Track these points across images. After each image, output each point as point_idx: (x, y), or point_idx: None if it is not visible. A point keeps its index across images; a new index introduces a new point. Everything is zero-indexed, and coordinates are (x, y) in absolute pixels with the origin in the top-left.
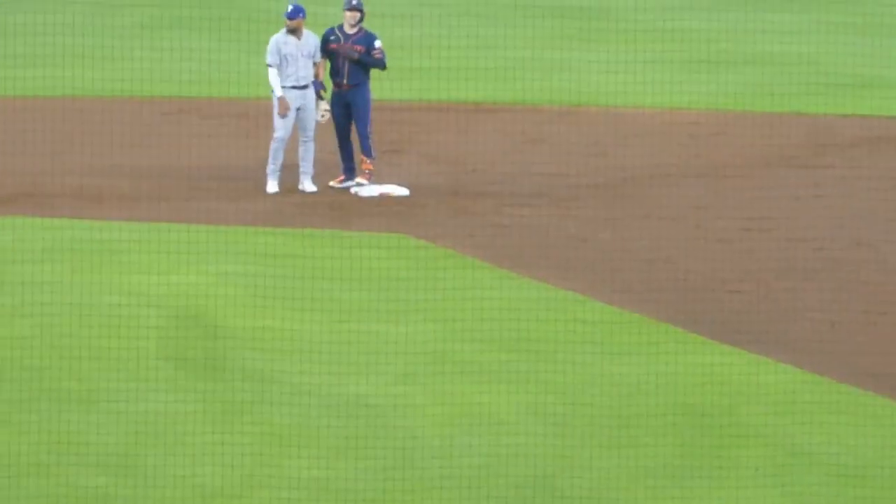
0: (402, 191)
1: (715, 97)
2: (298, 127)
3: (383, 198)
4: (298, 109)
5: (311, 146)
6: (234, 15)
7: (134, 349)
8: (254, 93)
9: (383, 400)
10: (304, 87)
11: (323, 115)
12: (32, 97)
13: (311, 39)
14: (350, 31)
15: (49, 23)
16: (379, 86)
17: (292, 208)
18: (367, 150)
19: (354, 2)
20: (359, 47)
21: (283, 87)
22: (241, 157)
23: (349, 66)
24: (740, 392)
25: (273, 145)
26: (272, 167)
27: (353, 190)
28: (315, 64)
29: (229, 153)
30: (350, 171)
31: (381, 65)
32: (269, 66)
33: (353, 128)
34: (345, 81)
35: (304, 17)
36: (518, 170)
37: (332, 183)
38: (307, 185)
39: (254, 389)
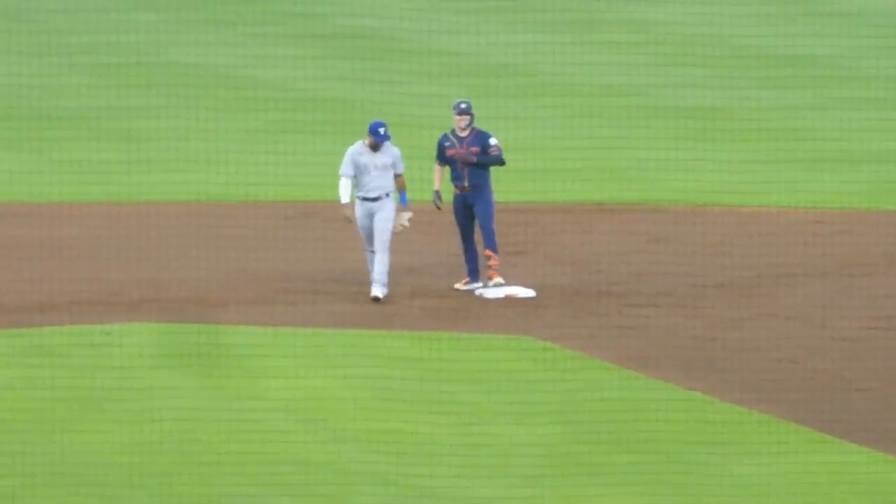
0: (528, 292)
1: (839, 195)
2: (372, 238)
3: (508, 299)
4: (370, 219)
5: (384, 257)
6: (357, 118)
7: (261, 453)
8: None
9: (510, 503)
10: (375, 198)
11: (402, 225)
12: (157, 202)
13: (389, 151)
14: (463, 133)
15: (172, 127)
16: (504, 188)
17: (418, 311)
18: (492, 245)
19: (463, 105)
20: (474, 149)
21: (358, 198)
22: (365, 260)
23: (468, 169)
24: (869, 492)
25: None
26: (371, 275)
27: (478, 292)
28: (397, 176)
29: (353, 256)
30: (474, 274)
31: (500, 161)
32: (342, 176)
33: (477, 229)
34: (466, 184)
35: (378, 141)
36: (642, 270)
37: (457, 285)
38: (375, 290)
39: (380, 493)
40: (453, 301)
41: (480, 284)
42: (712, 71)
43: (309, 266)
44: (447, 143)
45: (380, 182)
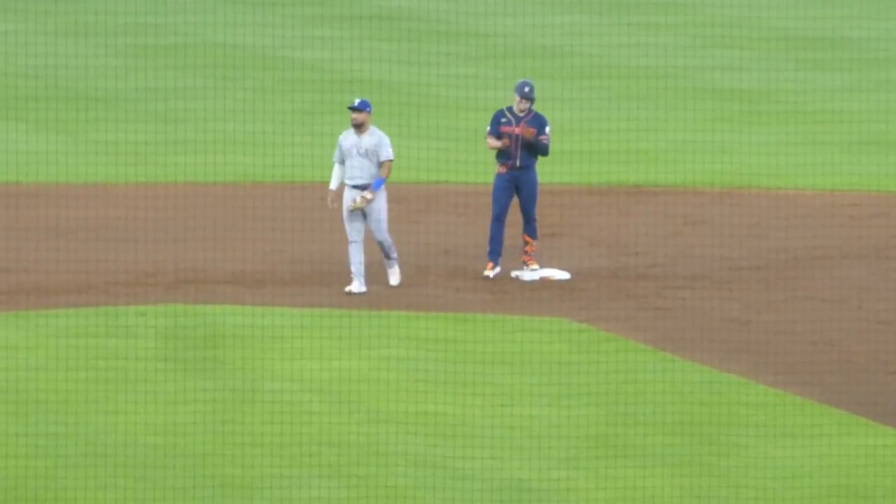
0: (564, 274)
1: (876, 178)
2: (368, 227)
3: (544, 282)
4: (363, 211)
5: (387, 242)
6: (393, 100)
7: (297, 434)
8: (414, 177)
9: (546, 484)
10: (362, 186)
11: (354, 200)
12: (194, 183)
13: (374, 134)
14: (520, 113)
15: (210, 109)
16: (541, 169)
17: (453, 293)
18: (533, 232)
19: (527, 89)
20: (532, 129)
21: (346, 185)
22: (402, 242)
23: (522, 150)
24: None
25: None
26: (351, 268)
27: (514, 274)
28: (382, 163)
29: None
30: (497, 256)
31: (546, 151)
32: (334, 162)
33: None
34: (518, 164)
35: (369, 111)
36: (679, 252)
37: (487, 273)
38: (393, 279)
39: (415, 475)
40: (489, 283)
41: (498, 269)
42: (750, 53)
43: (345, 248)
44: (503, 119)
45: (364, 167)
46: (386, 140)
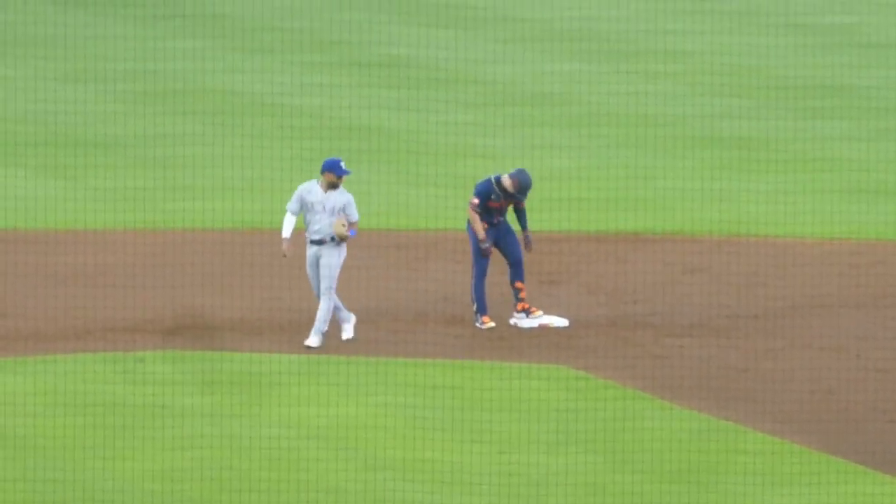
0: (562, 322)
1: (875, 226)
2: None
3: (542, 329)
4: (315, 265)
5: (326, 299)
6: (392, 147)
7: (295, 481)
8: (413, 224)
9: None
10: (320, 241)
11: (344, 225)
12: (192, 229)
13: (343, 194)
14: (509, 189)
15: (209, 155)
16: (539, 217)
17: (452, 340)
18: (521, 276)
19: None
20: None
21: (307, 240)
22: (401, 289)
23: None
24: None
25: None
26: (339, 314)
27: (512, 321)
28: (351, 223)
29: (388, 284)
30: (485, 309)
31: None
32: (287, 210)
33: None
34: (496, 221)
35: (339, 175)
36: (677, 300)
37: (483, 327)
38: (311, 339)
39: None
40: (486, 330)
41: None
42: (749, 101)
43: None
44: (493, 196)
45: (326, 223)
46: (353, 200)
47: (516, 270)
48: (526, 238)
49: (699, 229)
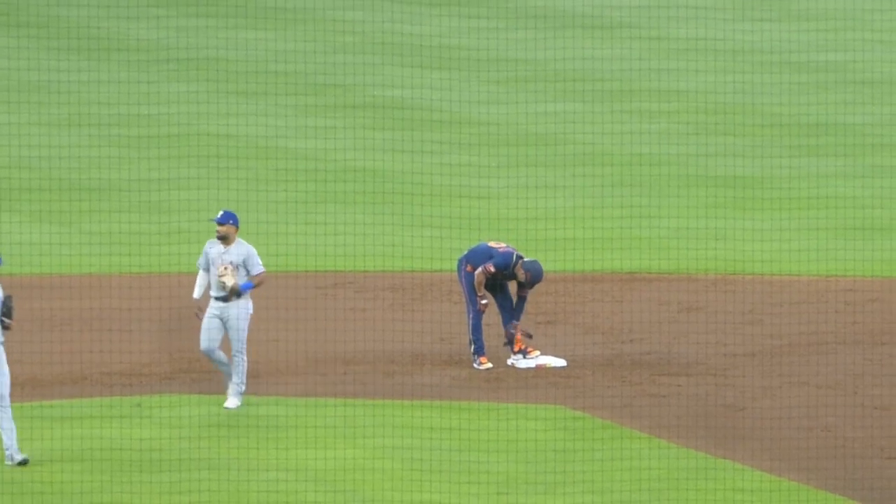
0: (559, 362)
1: (871, 263)
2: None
3: (540, 369)
4: (222, 321)
5: (240, 360)
6: (387, 188)
7: None
8: (409, 265)
9: None
10: (223, 298)
11: (225, 284)
12: (188, 273)
13: (240, 247)
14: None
15: (204, 199)
16: (534, 257)
17: (449, 381)
18: (518, 315)
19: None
20: (491, 269)
21: (210, 296)
22: (397, 331)
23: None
24: None
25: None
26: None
27: (510, 361)
28: (255, 275)
29: (384, 327)
30: (482, 350)
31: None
32: (198, 267)
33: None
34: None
35: (234, 224)
36: (674, 339)
37: (480, 367)
38: (230, 401)
39: None
40: (484, 371)
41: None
42: (744, 140)
43: (340, 337)
44: (506, 272)
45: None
46: (254, 252)
47: (509, 314)
48: (509, 327)
49: (695, 268)
